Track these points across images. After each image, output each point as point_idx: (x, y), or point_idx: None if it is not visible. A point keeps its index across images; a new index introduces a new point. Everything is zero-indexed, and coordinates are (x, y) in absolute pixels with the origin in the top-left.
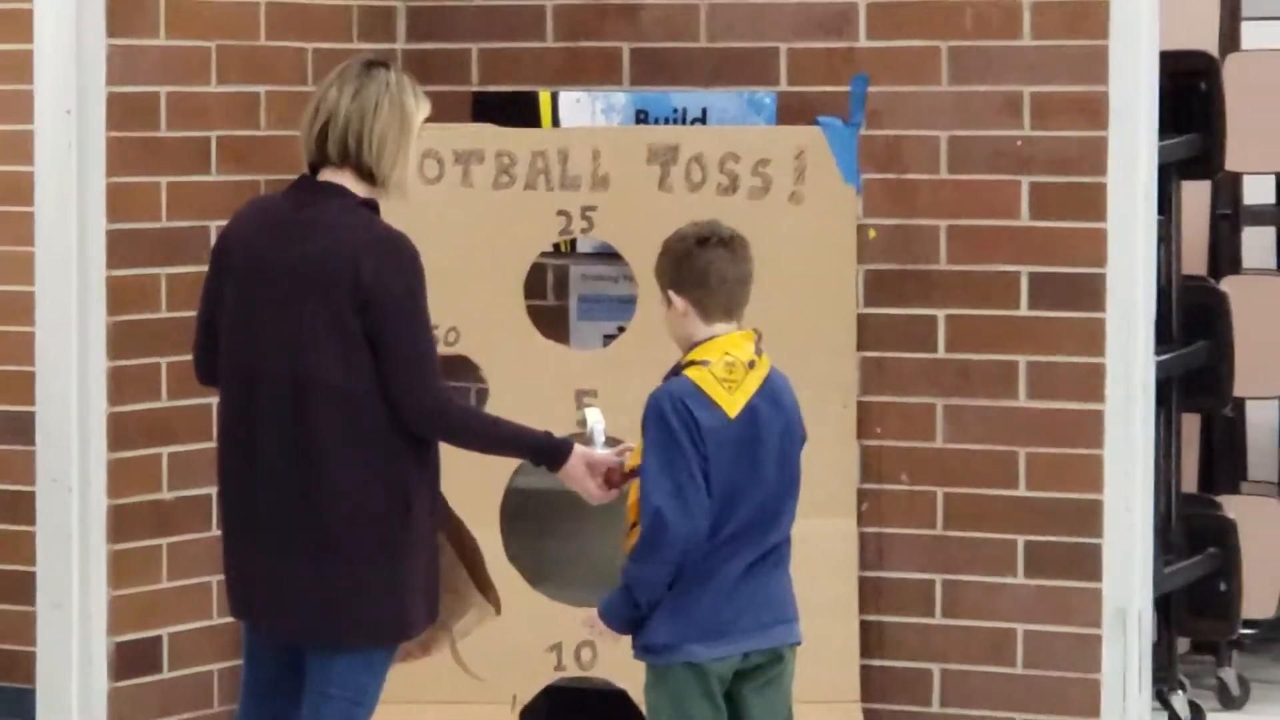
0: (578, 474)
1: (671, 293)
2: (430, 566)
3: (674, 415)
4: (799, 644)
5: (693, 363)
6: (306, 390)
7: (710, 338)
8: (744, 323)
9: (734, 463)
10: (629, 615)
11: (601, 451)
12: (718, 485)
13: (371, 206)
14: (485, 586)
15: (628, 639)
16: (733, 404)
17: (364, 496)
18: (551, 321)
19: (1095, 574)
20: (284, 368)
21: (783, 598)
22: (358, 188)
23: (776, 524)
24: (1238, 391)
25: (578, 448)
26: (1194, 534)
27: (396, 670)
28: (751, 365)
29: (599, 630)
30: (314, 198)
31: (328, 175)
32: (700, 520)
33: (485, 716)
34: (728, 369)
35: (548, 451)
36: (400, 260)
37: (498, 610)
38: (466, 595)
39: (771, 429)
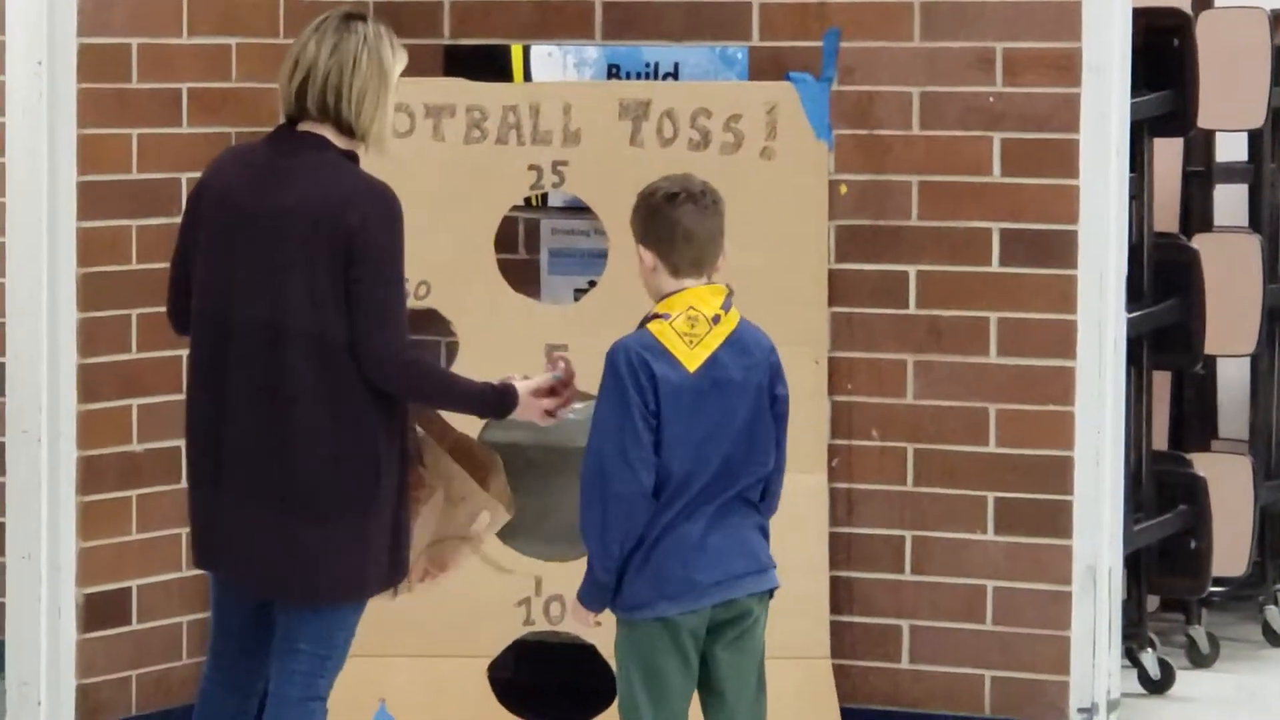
0: (531, 404)
1: (641, 247)
2: (398, 524)
3: (626, 367)
4: (774, 589)
5: (656, 316)
6: (281, 339)
7: (678, 291)
8: (718, 278)
9: (694, 416)
10: (599, 591)
11: (536, 380)
12: (680, 438)
13: (352, 158)
14: (498, 492)
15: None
16: (692, 358)
17: (333, 450)
18: (522, 276)
19: (1065, 531)
20: (260, 316)
21: (753, 547)
22: (338, 139)
23: (740, 475)
24: (1209, 349)
25: (519, 385)
26: (1164, 491)
27: (366, 624)
28: (717, 320)
29: (585, 618)
30: (295, 147)
31: (307, 126)
32: (641, 472)
33: (455, 670)
34: (689, 323)
35: (497, 401)
36: (386, 212)
37: (509, 510)
38: (475, 501)
39: (735, 384)
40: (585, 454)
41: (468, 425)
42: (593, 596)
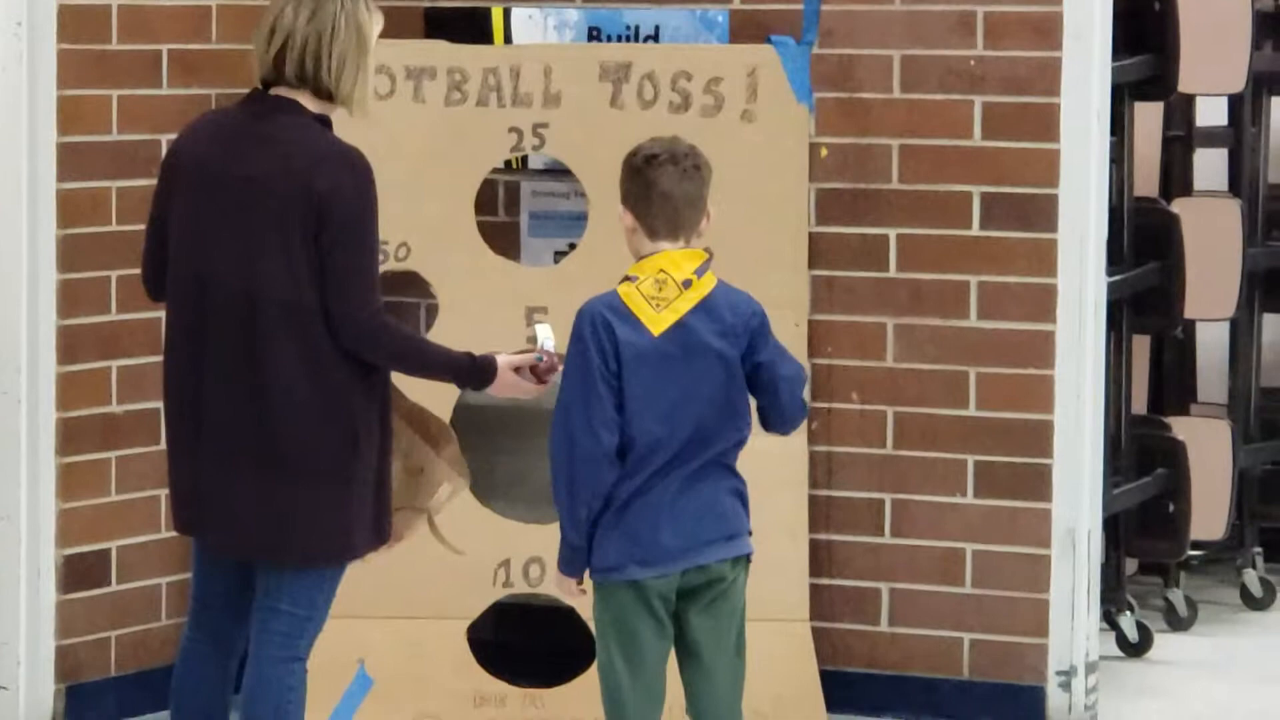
0: (509, 381)
1: (622, 207)
2: (380, 488)
3: (589, 328)
4: (745, 556)
5: (627, 278)
6: (258, 304)
7: (652, 254)
8: (700, 243)
9: (659, 381)
10: (574, 555)
11: (519, 356)
12: (647, 401)
13: (325, 122)
14: (454, 461)
15: None
16: (658, 321)
17: (310, 415)
18: (502, 238)
19: (1044, 494)
20: (235, 281)
21: (724, 513)
22: (312, 104)
23: (713, 440)
24: (1188, 313)
25: (500, 359)
26: (1143, 455)
27: (346, 585)
28: (688, 285)
29: (568, 586)
30: (268, 112)
31: (282, 91)
32: (602, 433)
33: (434, 632)
34: (657, 286)
35: (475, 372)
36: (356, 177)
37: (468, 481)
38: (434, 472)
39: (707, 350)
40: (553, 416)
41: (447, 388)
42: (568, 560)
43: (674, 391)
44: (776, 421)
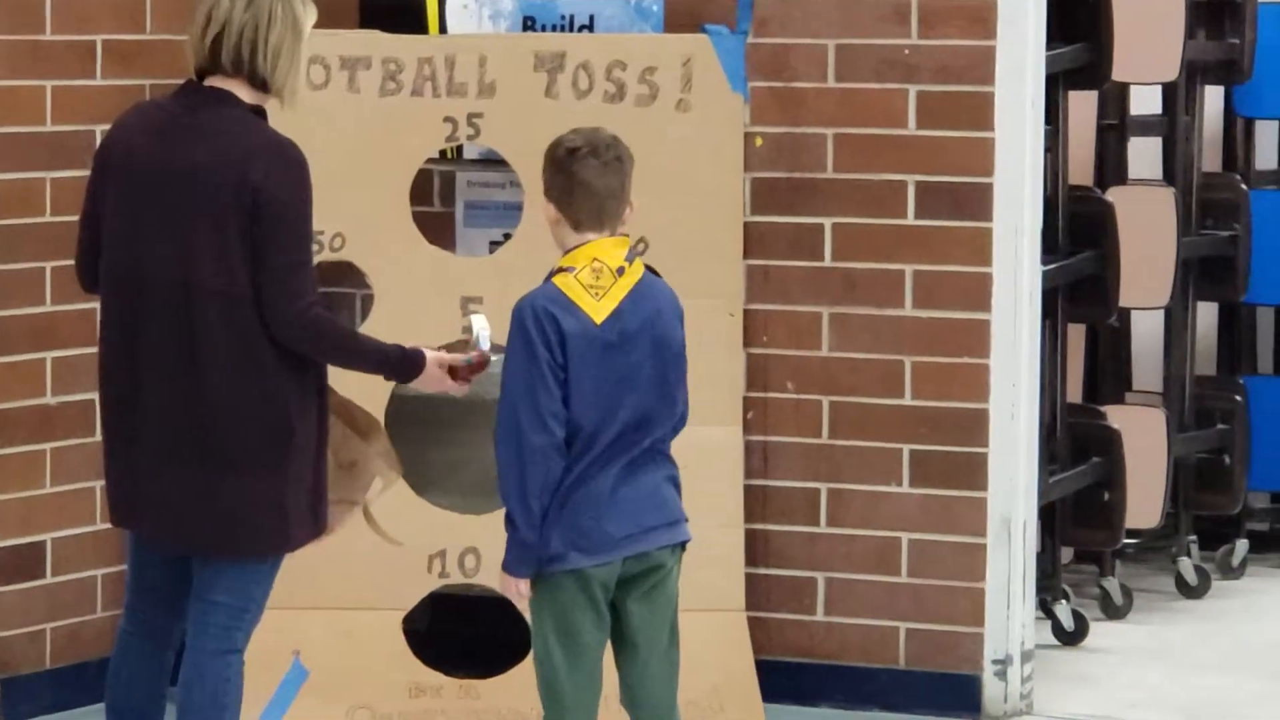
0: (435, 377)
1: (545, 200)
2: (317, 480)
3: (533, 323)
4: (685, 543)
5: (561, 269)
6: (193, 296)
7: (581, 244)
8: (632, 230)
9: (603, 368)
10: (525, 552)
11: (450, 355)
12: (588, 390)
13: (259, 113)
14: (385, 454)
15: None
16: (599, 310)
17: (245, 406)
18: (437, 228)
19: (980, 483)
20: (170, 273)
21: (665, 499)
22: (247, 94)
23: (650, 428)
24: (1123, 301)
25: (429, 354)
26: (1078, 443)
27: (281, 576)
28: (621, 272)
29: (514, 587)
30: (202, 103)
31: (216, 82)
32: (553, 425)
33: (370, 623)
34: (594, 275)
35: (404, 365)
36: (290, 169)
37: (400, 473)
38: (366, 465)
39: (642, 335)
40: (498, 413)
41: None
42: (519, 559)
43: (613, 379)
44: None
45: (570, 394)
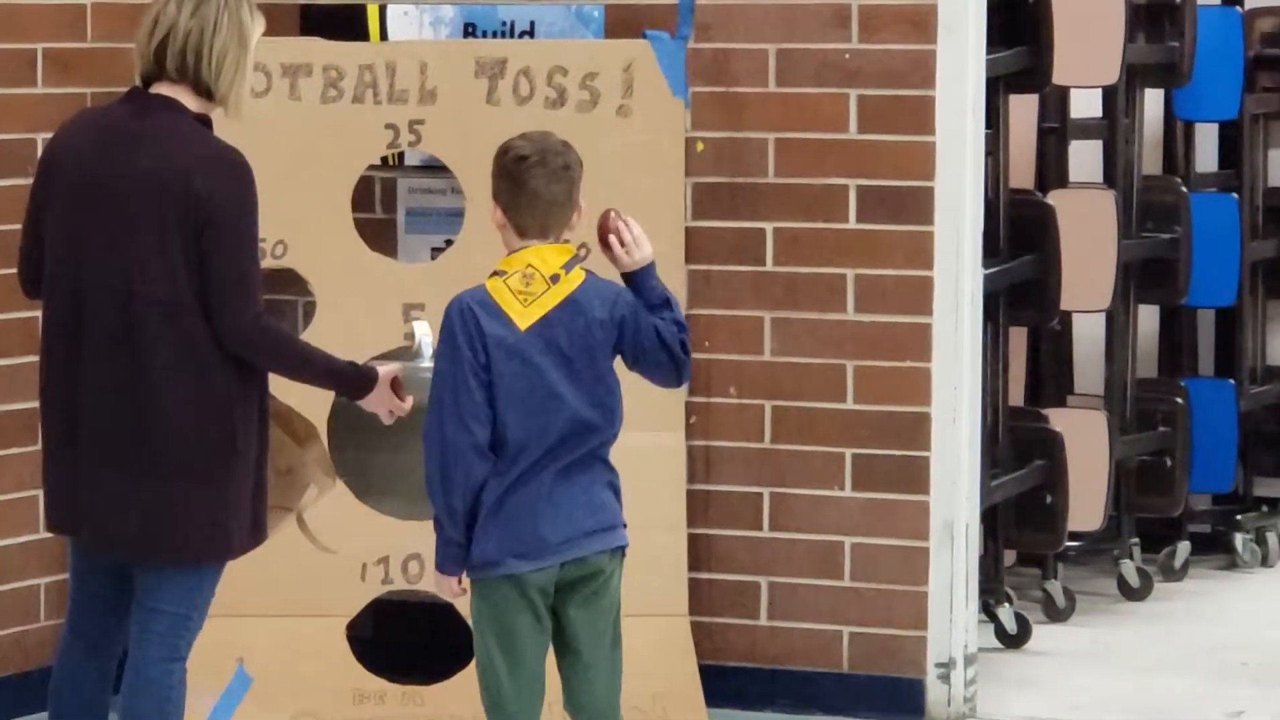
0: (384, 396)
1: (493, 203)
2: (258, 487)
3: (458, 321)
4: (624, 548)
5: (495, 273)
6: (135, 305)
7: (521, 249)
8: (574, 236)
9: (528, 375)
10: (452, 550)
11: (398, 365)
12: (516, 396)
13: (205, 122)
14: (320, 461)
15: None
16: (525, 316)
17: (189, 415)
18: (380, 235)
19: (922, 487)
20: (113, 282)
21: (602, 505)
22: (192, 103)
23: (587, 436)
24: (1064, 305)
25: (381, 371)
26: (1020, 447)
27: (224, 584)
28: (555, 280)
29: (448, 585)
30: (147, 110)
31: (162, 89)
32: (473, 425)
33: (313, 629)
34: (524, 281)
35: (355, 381)
36: (235, 178)
37: (334, 481)
38: (302, 473)
39: (573, 343)
40: (427, 412)
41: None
42: (447, 557)
43: (543, 386)
44: (674, 378)
45: (497, 397)
